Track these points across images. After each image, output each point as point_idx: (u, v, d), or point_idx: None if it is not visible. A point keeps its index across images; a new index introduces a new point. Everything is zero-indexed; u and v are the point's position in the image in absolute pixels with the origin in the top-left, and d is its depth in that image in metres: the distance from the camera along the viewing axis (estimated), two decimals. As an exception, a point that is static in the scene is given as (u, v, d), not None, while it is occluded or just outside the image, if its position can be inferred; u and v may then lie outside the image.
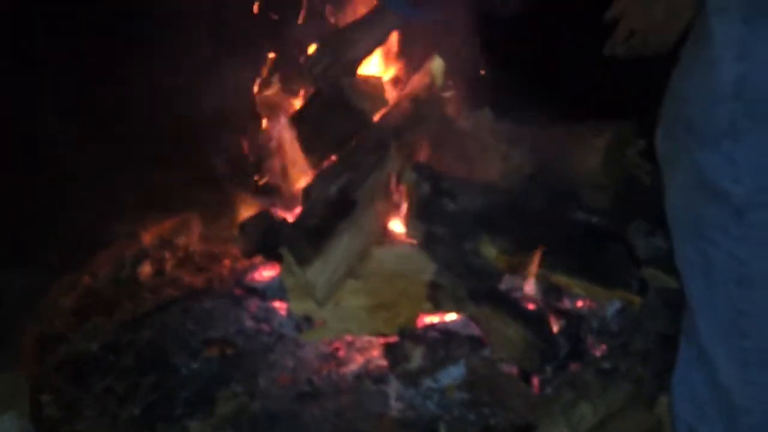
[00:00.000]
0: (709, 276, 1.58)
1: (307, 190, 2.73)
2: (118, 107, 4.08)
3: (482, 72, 3.08)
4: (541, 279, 2.77)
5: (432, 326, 2.72)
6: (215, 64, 3.46)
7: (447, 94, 3.01)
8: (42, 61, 3.96)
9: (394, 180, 2.74)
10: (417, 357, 2.53)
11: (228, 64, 3.39)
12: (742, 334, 1.57)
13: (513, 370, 2.61)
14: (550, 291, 2.82)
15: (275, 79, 3.34)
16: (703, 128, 1.47)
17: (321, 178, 2.74)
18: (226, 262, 3.44)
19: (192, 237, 3.66)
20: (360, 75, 2.99)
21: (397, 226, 2.83)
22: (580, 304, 2.85)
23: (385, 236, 2.79)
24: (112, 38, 3.92)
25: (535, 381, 2.59)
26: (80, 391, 2.75)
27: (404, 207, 2.77)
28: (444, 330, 2.71)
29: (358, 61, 2.91)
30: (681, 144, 1.54)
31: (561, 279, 2.76)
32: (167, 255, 3.53)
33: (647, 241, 2.94)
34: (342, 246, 2.54)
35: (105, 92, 4.08)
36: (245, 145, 3.46)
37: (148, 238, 3.62)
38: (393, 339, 2.67)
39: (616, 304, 2.82)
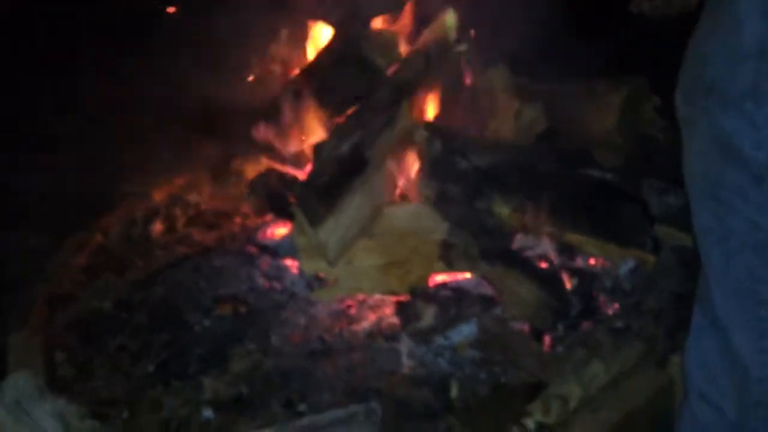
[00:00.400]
0: (726, 242, 1.54)
1: (319, 148, 2.70)
2: (125, 67, 4.02)
3: (497, 26, 3.00)
4: (554, 237, 2.75)
5: (444, 285, 2.71)
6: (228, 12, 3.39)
7: (460, 48, 2.93)
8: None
9: (406, 138, 2.69)
10: (429, 316, 2.53)
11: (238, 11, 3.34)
12: (760, 302, 1.54)
13: (525, 328, 2.61)
14: (563, 249, 2.80)
15: (285, 36, 3.27)
16: (724, 90, 1.42)
17: (333, 136, 2.70)
18: (237, 219, 3.42)
19: (203, 194, 3.64)
20: (374, 28, 2.92)
21: (409, 183, 2.79)
22: (592, 262, 2.84)
23: (397, 194, 2.76)
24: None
25: (547, 339, 2.59)
26: (93, 350, 2.76)
27: (416, 165, 2.73)
28: (456, 289, 2.70)
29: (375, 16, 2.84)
30: (701, 107, 1.49)
31: (574, 237, 2.74)
32: (178, 212, 3.52)
33: (660, 199, 2.91)
34: (354, 205, 2.52)
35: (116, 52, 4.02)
36: (255, 99, 3.41)
37: (159, 195, 3.61)
38: (405, 298, 2.67)
39: (630, 263, 2.80)
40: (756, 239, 1.49)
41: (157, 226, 3.43)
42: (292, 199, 2.63)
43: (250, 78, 3.39)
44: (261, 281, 3.00)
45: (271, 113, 3.21)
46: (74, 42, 4.06)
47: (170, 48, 3.79)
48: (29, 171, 3.85)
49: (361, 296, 2.76)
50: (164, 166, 3.81)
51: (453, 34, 2.92)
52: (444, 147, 2.65)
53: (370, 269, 2.64)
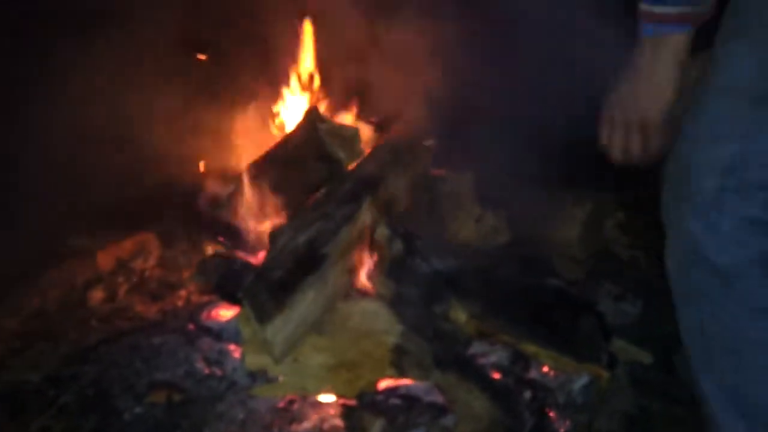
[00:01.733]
0: (704, 341, 1.69)
1: (274, 236, 2.60)
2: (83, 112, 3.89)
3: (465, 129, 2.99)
4: (510, 347, 2.68)
5: (393, 390, 2.60)
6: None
7: (428, 145, 2.90)
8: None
9: (366, 234, 2.61)
10: (377, 429, 2.41)
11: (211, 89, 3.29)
12: (745, 398, 1.64)
13: (474, 442, 2.50)
14: (517, 359, 2.73)
15: (253, 113, 3.21)
16: (695, 198, 1.59)
17: (290, 226, 2.61)
18: (182, 293, 3.27)
19: (149, 261, 3.51)
20: (337, 122, 2.87)
21: (365, 280, 2.70)
22: (547, 372, 2.76)
23: (352, 290, 2.66)
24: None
25: (496, 456, 2.48)
26: (15, 428, 2.59)
27: (374, 263, 2.65)
28: (406, 395, 2.59)
29: None
30: (675, 213, 1.67)
31: (530, 348, 2.67)
32: (121, 279, 3.38)
33: (616, 306, 2.89)
34: (306, 303, 2.41)
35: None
36: (213, 174, 3.32)
37: (104, 258, 3.47)
38: (351, 401, 2.55)
39: (584, 378, 2.74)
40: (726, 341, 1.62)
41: (97, 293, 3.27)
42: (241, 287, 2.51)
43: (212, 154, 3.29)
44: (200, 366, 2.84)
45: (231, 192, 3.12)
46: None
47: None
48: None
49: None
50: (114, 225, 3.69)
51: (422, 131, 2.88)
52: (405, 247, 2.57)
53: (317, 368, 2.52)
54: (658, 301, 3.20)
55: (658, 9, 1.91)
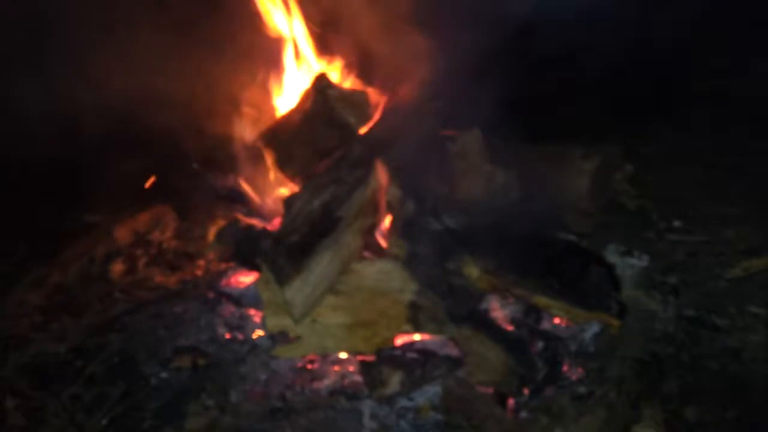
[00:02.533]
0: None
1: (289, 202, 2.65)
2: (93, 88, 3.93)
3: (474, 87, 3.00)
4: (522, 300, 2.74)
5: (410, 345, 2.67)
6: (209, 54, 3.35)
7: (436, 108, 2.93)
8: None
9: (378, 196, 2.66)
10: (395, 382, 2.49)
11: (219, 57, 3.30)
12: None
13: (489, 392, 2.58)
14: (530, 311, 2.79)
15: (261, 81, 3.23)
16: None
17: (304, 191, 2.65)
18: (201, 262, 3.36)
19: (166, 233, 3.58)
20: (346, 87, 2.90)
21: (379, 240, 2.76)
22: (559, 323, 2.83)
23: (366, 251, 2.72)
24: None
25: (511, 404, 2.56)
26: (46, 398, 2.68)
27: (387, 223, 2.70)
28: (422, 350, 2.66)
29: None
30: None
31: (541, 300, 2.72)
32: (140, 252, 3.46)
33: (623, 260, 2.94)
34: (323, 264, 2.47)
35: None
36: (226, 144, 3.35)
37: (121, 231, 3.53)
38: (370, 357, 2.62)
39: (595, 327, 2.80)
40: None
41: (118, 266, 3.35)
42: (260, 253, 2.57)
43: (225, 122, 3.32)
44: (222, 331, 2.94)
45: (244, 160, 3.17)
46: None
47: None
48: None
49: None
50: (129, 198, 3.75)
51: (430, 92, 2.91)
52: (416, 207, 2.62)
53: (335, 328, 2.59)
54: (666, 250, 3.27)
55: None
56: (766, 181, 3.71)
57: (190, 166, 3.61)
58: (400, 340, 2.67)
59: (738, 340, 2.94)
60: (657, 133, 3.55)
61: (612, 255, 2.96)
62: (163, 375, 2.74)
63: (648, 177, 2.99)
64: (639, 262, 3.00)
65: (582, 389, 2.63)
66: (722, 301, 3.16)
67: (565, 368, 2.70)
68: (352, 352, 2.64)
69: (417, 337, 2.69)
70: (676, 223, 3.59)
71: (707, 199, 3.62)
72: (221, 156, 3.38)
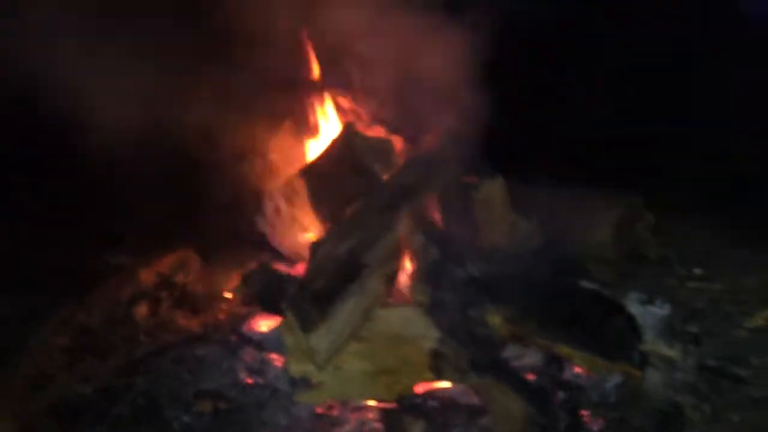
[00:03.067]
0: None
1: (315, 248, 2.69)
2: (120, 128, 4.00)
3: (496, 136, 3.05)
4: (544, 349, 2.75)
5: (431, 393, 2.68)
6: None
7: (459, 155, 2.97)
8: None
9: (403, 243, 2.70)
10: (416, 431, 2.49)
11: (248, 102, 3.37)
12: None
13: (511, 442, 2.57)
14: (551, 361, 2.80)
15: (288, 128, 3.30)
16: None
17: (330, 236, 2.70)
18: (223, 306, 3.40)
19: (190, 275, 3.63)
20: (372, 136, 2.97)
21: (402, 287, 2.79)
22: (579, 372, 2.83)
23: (389, 297, 2.75)
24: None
25: (533, 455, 2.55)
26: (73, 440, 2.72)
27: (411, 270, 2.73)
28: (443, 398, 2.67)
29: None
30: None
31: (564, 350, 2.73)
32: (164, 294, 3.50)
33: (645, 309, 2.94)
34: (348, 310, 2.50)
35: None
36: (252, 188, 3.42)
37: (146, 274, 3.58)
38: (391, 405, 2.63)
39: (617, 377, 2.80)
40: None
41: (142, 309, 3.39)
42: (284, 298, 2.60)
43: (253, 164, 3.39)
44: (243, 375, 2.95)
45: (270, 205, 3.22)
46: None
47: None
48: (17, 232, 3.84)
49: (343, 398, 2.73)
50: (156, 239, 3.81)
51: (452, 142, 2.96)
52: (440, 254, 2.65)
53: (358, 375, 2.61)
54: (687, 298, 3.27)
55: None
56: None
57: (216, 209, 3.67)
58: (421, 388, 2.68)
59: (760, 390, 2.92)
60: (677, 177, 3.59)
61: (633, 304, 2.96)
62: (186, 419, 2.75)
63: (669, 224, 3.01)
64: (660, 310, 2.99)
65: (603, 440, 2.62)
66: (744, 350, 3.15)
67: (586, 418, 2.69)
68: (374, 399, 2.65)
69: (438, 385, 2.70)
70: (697, 271, 3.59)
71: (728, 247, 3.62)
72: (247, 200, 3.44)
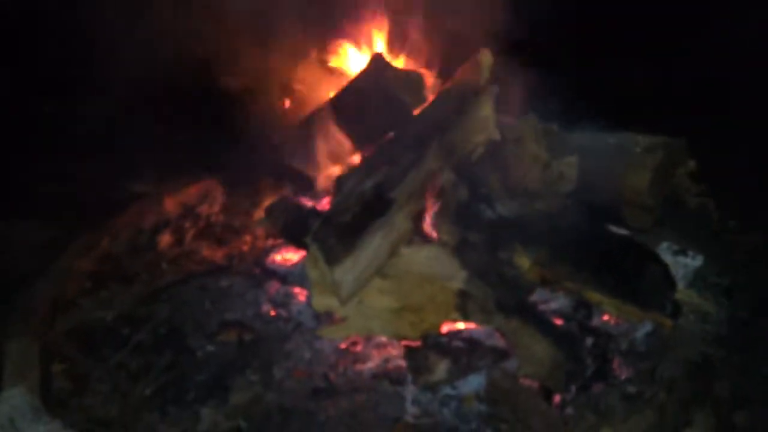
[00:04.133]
0: None
1: (341, 182, 2.62)
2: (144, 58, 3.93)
3: (534, 71, 2.92)
4: (573, 294, 2.68)
5: (456, 333, 2.64)
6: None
7: (494, 92, 2.85)
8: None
9: (431, 180, 2.62)
10: (441, 370, 2.46)
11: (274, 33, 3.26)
12: None
13: (535, 386, 2.53)
14: (580, 306, 2.74)
15: (314, 59, 3.20)
16: None
17: (357, 170, 2.62)
18: (248, 238, 3.36)
19: (214, 207, 3.58)
20: (402, 68, 2.86)
21: (430, 225, 2.72)
22: (608, 320, 2.77)
23: (416, 236, 2.68)
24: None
25: (557, 399, 2.51)
26: (92, 364, 2.70)
27: (439, 207, 2.66)
28: (468, 338, 2.63)
29: None
30: None
31: (594, 296, 2.66)
32: (188, 224, 3.47)
33: (676, 259, 2.86)
34: (373, 246, 2.44)
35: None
36: (277, 119, 3.34)
37: (170, 203, 3.55)
38: (415, 343, 2.60)
39: (647, 326, 2.74)
40: None
41: (166, 237, 3.37)
42: (308, 232, 2.55)
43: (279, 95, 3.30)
44: (267, 307, 2.94)
45: (295, 137, 3.14)
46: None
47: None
48: (41, 161, 3.81)
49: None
50: (179, 170, 3.76)
51: (487, 75, 2.84)
52: (469, 193, 2.57)
53: (382, 311, 2.57)
54: (721, 251, 3.17)
55: None
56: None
57: (241, 140, 3.60)
58: (446, 328, 2.64)
59: (793, 344, 2.86)
60: (722, 127, 3.45)
61: (666, 253, 2.89)
62: (209, 348, 2.75)
63: (712, 171, 2.89)
64: (693, 261, 2.92)
65: (631, 389, 2.56)
66: (776, 305, 3.07)
67: (614, 366, 2.64)
68: (398, 337, 2.62)
69: (463, 325, 2.65)
70: (734, 222, 3.49)
71: (766, 200, 3.50)
72: (272, 132, 3.36)
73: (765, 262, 3.31)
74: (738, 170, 3.44)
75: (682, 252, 2.89)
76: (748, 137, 3.37)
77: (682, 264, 2.89)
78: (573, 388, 2.52)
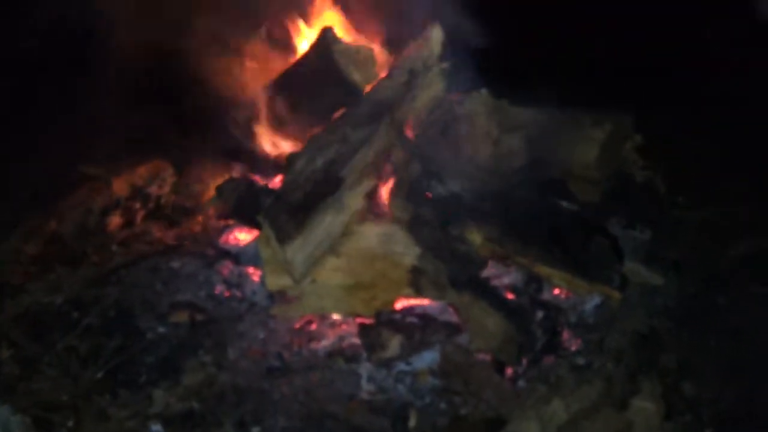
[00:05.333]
0: None
1: (291, 160, 2.60)
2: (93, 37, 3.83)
3: (484, 47, 2.92)
4: (524, 268, 2.71)
5: (410, 310, 2.65)
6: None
7: (444, 67, 2.84)
8: None
9: (383, 157, 2.61)
10: (394, 346, 2.48)
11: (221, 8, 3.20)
12: None
13: (487, 359, 2.57)
14: (531, 281, 2.77)
15: (265, 34, 3.15)
16: None
17: (307, 148, 2.60)
18: (199, 218, 3.30)
19: (165, 187, 3.52)
20: (352, 43, 2.83)
21: (382, 203, 2.72)
22: (559, 294, 2.81)
23: (369, 213, 2.68)
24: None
25: (509, 372, 2.55)
26: (41, 348, 2.65)
27: (391, 185, 2.66)
28: (421, 314, 2.65)
29: None
30: None
31: (544, 269, 2.70)
32: (138, 205, 3.40)
33: (624, 233, 2.91)
34: (325, 224, 2.44)
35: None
36: (226, 98, 3.27)
37: (119, 184, 3.48)
38: (369, 320, 2.60)
39: (596, 299, 2.79)
40: None
41: (115, 219, 3.29)
42: (260, 210, 2.53)
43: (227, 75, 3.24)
44: (220, 288, 2.90)
45: (245, 115, 3.10)
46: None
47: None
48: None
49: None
50: (128, 151, 3.68)
51: (438, 51, 2.83)
52: (421, 170, 2.57)
53: (335, 289, 2.56)
54: (669, 225, 3.24)
55: None
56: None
57: (191, 120, 3.54)
58: (399, 304, 2.65)
59: (738, 319, 2.93)
60: (670, 103, 3.51)
61: (614, 227, 2.94)
62: (160, 330, 2.72)
63: (659, 146, 2.95)
64: (641, 235, 2.97)
65: (581, 360, 2.62)
66: (724, 279, 3.15)
67: (564, 339, 2.69)
68: (352, 315, 2.62)
69: (417, 301, 2.67)
70: (681, 199, 3.57)
71: (715, 175, 3.58)
72: (222, 111, 3.31)
73: (712, 236, 3.39)
74: (684, 146, 3.51)
75: (631, 226, 2.94)
76: (694, 113, 3.44)
77: (631, 238, 2.94)
78: (524, 361, 2.56)
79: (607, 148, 2.80)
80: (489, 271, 2.74)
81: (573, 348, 2.67)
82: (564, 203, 2.75)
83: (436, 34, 2.87)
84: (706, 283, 3.09)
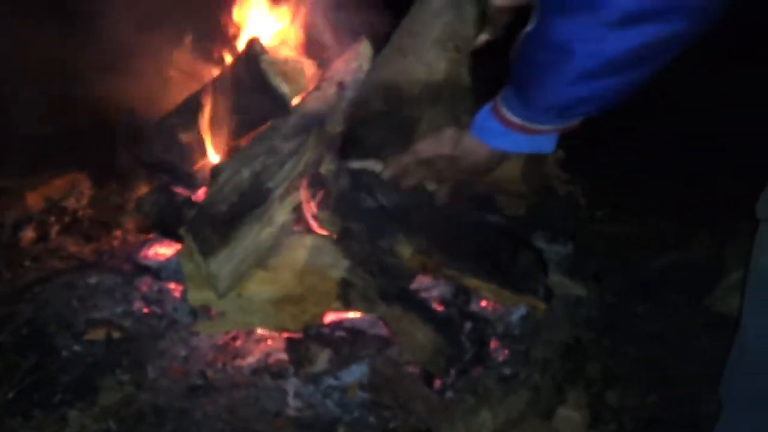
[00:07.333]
0: None
1: (217, 171, 2.53)
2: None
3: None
4: (452, 281, 2.72)
5: (339, 323, 2.62)
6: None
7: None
8: None
9: (312, 169, 2.58)
10: (322, 360, 2.43)
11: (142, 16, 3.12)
12: None
13: (416, 371, 2.56)
14: (459, 293, 2.79)
15: (190, 43, 3.08)
16: None
17: (233, 161, 2.54)
18: (117, 233, 3.20)
19: (82, 200, 3.40)
20: (280, 56, 2.80)
21: (311, 215, 2.68)
22: (486, 305, 2.83)
23: (297, 226, 2.64)
24: None
25: (437, 384, 2.55)
26: (-52, 369, 2.51)
27: (320, 198, 2.62)
28: (351, 328, 2.62)
29: None
30: None
31: (471, 281, 2.71)
32: (53, 219, 3.26)
33: (549, 247, 2.97)
34: (251, 237, 2.38)
35: None
36: (148, 109, 3.19)
37: (32, 197, 3.33)
38: (297, 335, 2.55)
39: (522, 310, 2.82)
40: None
41: (28, 233, 3.15)
42: (182, 223, 2.45)
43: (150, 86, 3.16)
44: (139, 305, 2.79)
45: (169, 126, 3.02)
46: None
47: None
48: None
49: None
50: (43, 163, 3.54)
51: (367, 65, 2.84)
52: (351, 182, 2.55)
53: (262, 303, 2.50)
54: (588, 239, 3.34)
55: (533, 125, 1.93)
56: (699, 177, 3.83)
57: (109, 131, 3.42)
58: (328, 318, 2.61)
59: (653, 325, 3.03)
60: (591, 118, 3.62)
61: (539, 240, 2.99)
62: (76, 348, 2.59)
63: (578, 163, 3.04)
64: (564, 249, 3.04)
65: (508, 371, 2.64)
66: (641, 289, 3.26)
67: (491, 350, 2.70)
68: (279, 329, 2.56)
69: (346, 315, 2.64)
70: (599, 213, 3.68)
71: (635, 189, 3.71)
72: (144, 122, 3.21)
73: (629, 249, 3.50)
74: (602, 161, 3.64)
75: (554, 239, 3.00)
76: (614, 128, 3.56)
77: (555, 251, 3.00)
78: (453, 372, 2.57)
79: (531, 162, 2.86)
80: (418, 283, 2.73)
81: (500, 359, 2.69)
82: (491, 216, 2.78)
83: (365, 48, 2.88)
84: (625, 294, 3.19)
